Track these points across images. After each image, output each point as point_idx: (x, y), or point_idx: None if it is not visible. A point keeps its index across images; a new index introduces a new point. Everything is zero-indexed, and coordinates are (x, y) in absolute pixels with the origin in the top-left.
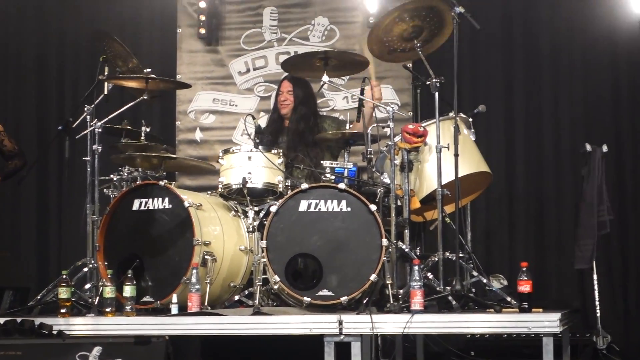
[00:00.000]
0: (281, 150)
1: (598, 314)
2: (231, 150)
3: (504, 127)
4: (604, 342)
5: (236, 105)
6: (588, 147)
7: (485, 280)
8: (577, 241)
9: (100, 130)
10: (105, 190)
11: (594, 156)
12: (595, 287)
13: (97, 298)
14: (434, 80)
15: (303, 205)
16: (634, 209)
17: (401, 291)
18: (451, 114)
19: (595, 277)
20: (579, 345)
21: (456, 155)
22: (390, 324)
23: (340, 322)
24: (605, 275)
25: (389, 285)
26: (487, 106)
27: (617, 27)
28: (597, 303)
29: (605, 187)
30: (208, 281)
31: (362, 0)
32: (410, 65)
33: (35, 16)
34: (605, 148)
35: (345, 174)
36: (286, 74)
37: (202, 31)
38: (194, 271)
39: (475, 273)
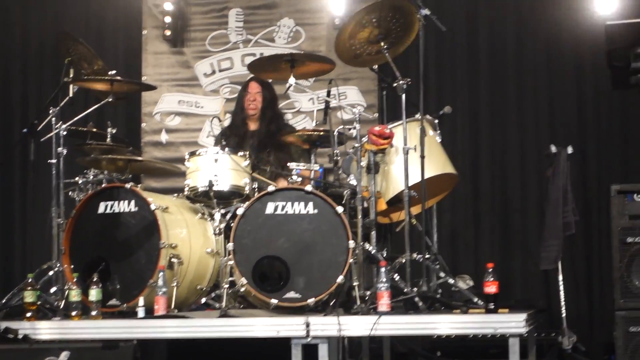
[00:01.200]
0: (247, 153)
1: (563, 314)
2: (197, 152)
3: (469, 128)
4: (569, 342)
5: (202, 107)
6: (553, 149)
7: (451, 281)
8: (543, 242)
9: (65, 132)
10: (70, 193)
11: (559, 157)
12: (561, 287)
13: (63, 301)
14: (400, 82)
15: (270, 208)
16: (598, 210)
17: (368, 293)
18: (417, 116)
19: (560, 277)
20: (545, 345)
21: (422, 157)
22: (357, 325)
23: (308, 324)
24: (571, 275)
25: (356, 287)
26: (453, 107)
27: (581, 29)
28: (562, 303)
29: (570, 188)
30: (175, 284)
31: (328, 2)
32: (376, 67)
33: None
34: (570, 149)
35: (312, 176)
36: (251, 75)
37: (168, 33)
38: (161, 274)
39: (441, 274)
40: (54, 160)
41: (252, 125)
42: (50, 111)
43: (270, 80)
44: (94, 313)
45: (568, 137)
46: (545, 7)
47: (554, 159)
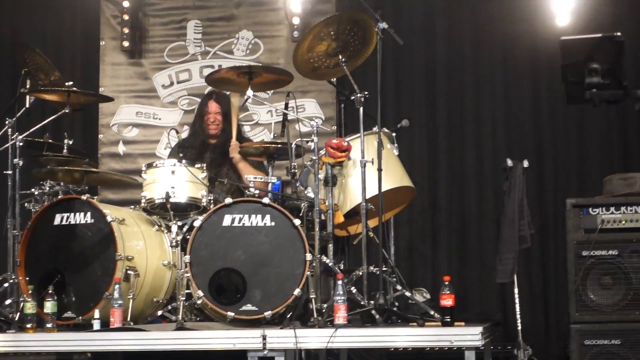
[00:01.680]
0: (204, 165)
1: (519, 327)
2: (154, 164)
3: (427, 141)
4: (524, 354)
5: (160, 119)
6: (509, 162)
7: (408, 294)
8: (499, 255)
9: (21, 143)
10: (26, 204)
11: (515, 171)
12: (517, 300)
13: (18, 314)
14: (358, 95)
15: (227, 220)
16: (554, 224)
17: (325, 305)
18: (375, 129)
19: (516, 290)
20: (501, 358)
21: (379, 170)
22: (314, 338)
23: (264, 337)
24: (527, 288)
25: (313, 300)
26: (411, 121)
27: (538, 43)
28: (518, 316)
29: (526, 202)
30: (131, 296)
31: (287, 15)
32: (335, 79)
33: None
34: (526, 163)
35: (269, 188)
36: (208, 91)
37: (126, 44)
38: (117, 286)
39: (398, 287)
40: (9, 172)
41: (211, 140)
42: (7, 122)
43: (228, 93)
44: (49, 325)
45: (524, 151)
46: (502, 22)
47: (510, 173)
